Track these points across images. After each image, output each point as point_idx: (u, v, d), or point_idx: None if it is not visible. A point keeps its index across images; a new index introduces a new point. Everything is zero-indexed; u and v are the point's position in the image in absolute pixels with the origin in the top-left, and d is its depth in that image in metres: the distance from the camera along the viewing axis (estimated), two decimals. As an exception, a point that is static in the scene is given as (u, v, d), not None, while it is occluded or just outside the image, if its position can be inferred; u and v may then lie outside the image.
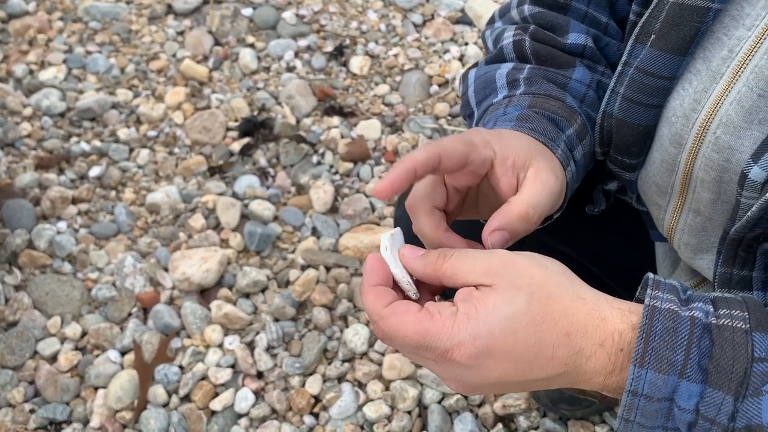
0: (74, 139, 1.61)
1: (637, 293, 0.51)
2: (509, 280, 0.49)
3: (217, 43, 1.80)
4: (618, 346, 0.48)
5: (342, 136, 1.62)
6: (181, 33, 1.82)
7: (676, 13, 0.60)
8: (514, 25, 0.74)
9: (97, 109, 1.64)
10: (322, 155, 1.60)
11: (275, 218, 1.51)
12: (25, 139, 1.60)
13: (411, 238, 0.66)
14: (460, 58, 1.77)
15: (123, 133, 1.62)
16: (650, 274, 0.50)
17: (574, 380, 0.50)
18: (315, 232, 1.49)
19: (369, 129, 1.63)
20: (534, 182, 0.57)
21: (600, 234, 0.82)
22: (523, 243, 0.61)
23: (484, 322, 0.48)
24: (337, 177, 1.57)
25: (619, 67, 0.65)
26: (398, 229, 0.57)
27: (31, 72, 1.73)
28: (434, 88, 1.72)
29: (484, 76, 0.72)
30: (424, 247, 0.57)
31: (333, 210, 1.53)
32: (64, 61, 1.74)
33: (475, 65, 0.76)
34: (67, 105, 1.66)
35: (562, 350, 0.48)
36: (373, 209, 1.52)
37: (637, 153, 0.67)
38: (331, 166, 1.59)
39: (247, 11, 1.85)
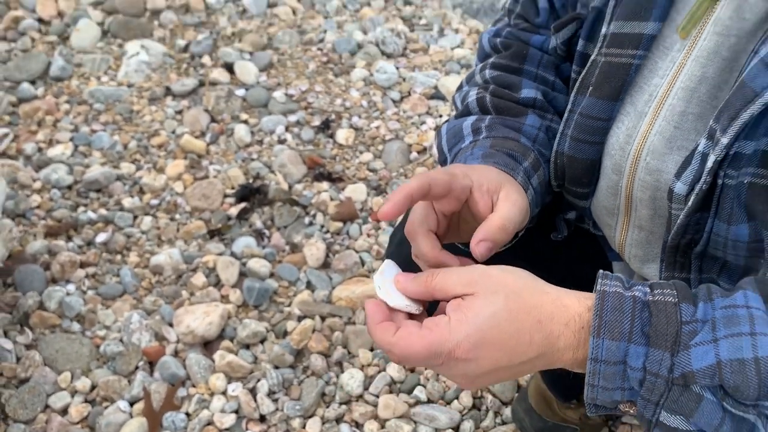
0: (81, 208, 1.69)
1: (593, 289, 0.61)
2: (486, 287, 0.59)
3: (213, 120, 1.92)
4: (579, 324, 0.57)
5: (331, 199, 1.72)
6: (179, 112, 1.94)
7: (607, 69, 0.73)
8: (477, 86, 0.87)
9: (102, 181, 1.73)
10: (314, 216, 1.70)
11: (271, 275, 1.58)
12: (35, 210, 1.67)
13: (408, 264, 0.75)
14: (436, 128, 1.91)
15: (127, 202, 1.71)
16: (601, 270, 0.60)
17: (550, 360, 0.59)
18: (309, 285, 1.57)
19: (356, 192, 1.74)
20: (506, 201, 0.68)
21: (564, 257, 0.92)
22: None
23: (473, 322, 0.57)
24: (328, 235, 1.66)
25: (566, 114, 0.78)
26: (387, 261, 0.66)
27: (39, 149, 1.82)
28: (414, 155, 1.85)
29: (454, 128, 0.85)
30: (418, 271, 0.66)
31: (325, 265, 1.61)
32: (71, 139, 1.84)
33: (447, 121, 0.88)
34: (74, 178, 1.75)
35: (537, 335, 0.57)
36: (363, 263, 1.61)
37: (587, 183, 0.79)
38: (322, 226, 1.68)
39: (240, 92, 1.98)
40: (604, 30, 0.74)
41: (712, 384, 0.54)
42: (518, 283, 0.59)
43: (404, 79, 2.05)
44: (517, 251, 0.77)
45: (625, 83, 0.72)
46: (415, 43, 2.16)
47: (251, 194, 1.73)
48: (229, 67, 2.04)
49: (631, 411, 0.59)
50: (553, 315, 0.58)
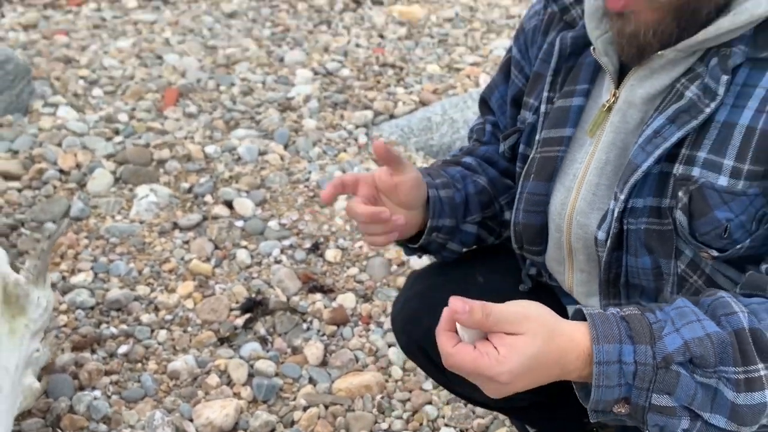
0: (104, 325, 1.86)
1: (570, 317, 0.81)
2: (529, 329, 0.75)
3: (216, 247, 2.15)
4: (585, 353, 0.75)
5: (325, 307, 1.94)
6: (186, 242, 2.17)
7: (542, 162, 1.02)
8: None
9: (123, 301, 1.92)
10: (311, 322, 1.90)
11: (276, 374, 1.76)
12: (62, 328, 1.84)
13: (413, 321, 0.99)
14: (411, 246, 2.17)
15: (145, 318, 1.89)
16: (576, 306, 0.83)
17: (562, 378, 0.77)
18: (311, 380, 1.74)
19: (346, 300, 1.96)
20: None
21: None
22: None
23: (516, 361, 0.73)
24: (325, 338, 1.86)
25: (517, 195, 1.06)
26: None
27: (63, 278, 2.01)
28: (394, 267, 2.09)
29: None
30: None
31: (324, 363, 1.79)
32: (91, 268, 2.04)
33: None
34: (96, 300, 1.93)
35: (556, 367, 0.76)
36: (357, 360, 1.80)
37: (540, 242, 1.05)
38: (319, 330, 1.88)
39: (239, 223, 2.24)
40: (537, 137, 1.04)
41: (684, 360, 0.73)
42: (548, 322, 0.76)
43: (380, 208, 2.33)
44: (497, 299, 1.01)
45: (555, 169, 1.01)
46: (387, 179, 2.47)
47: (254, 306, 1.93)
48: (229, 204, 2.31)
49: (623, 410, 0.76)
50: (567, 351, 0.75)
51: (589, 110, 0.99)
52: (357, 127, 2.74)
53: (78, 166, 2.43)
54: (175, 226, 2.23)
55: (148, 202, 2.30)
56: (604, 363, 0.73)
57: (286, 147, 2.60)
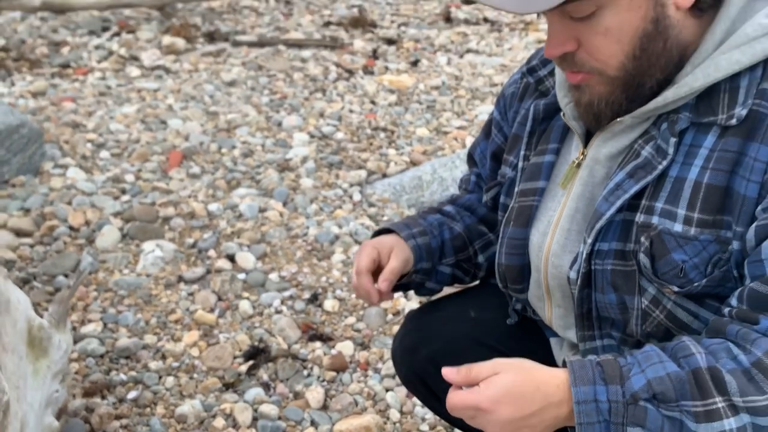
0: (114, 372, 1.93)
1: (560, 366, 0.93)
2: (504, 368, 0.88)
3: (220, 299, 2.24)
4: (565, 386, 0.87)
5: (324, 354, 2.02)
6: (191, 294, 2.26)
7: (519, 210, 1.14)
8: None
9: (132, 348, 2.00)
10: (311, 369, 1.98)
11: (280, 417, 1.83)
12: (74, 375, 1.91)
13: (409, 357, 1.11)
14: (405, 295, 2.28)
15: (153, 365, 1.96)
16: (564, 358, 0.93)
17: (554, 413, 0.87)
18: (313, 423, 1.81)
19: (345, 347, 2.05)
20: (394, 257, 1.17)
21: (518, 336, 1.26)
22: (481, 348, 1.08)
23: (493, 389, 0.87)
24: (325, 383, 1.94)
25: (499, 240, 1.18)
26: None
27: (74, 328, 2.09)
28: (390, 316, 2.19)
29: None
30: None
31: (325, 407, 1.87)
32: (101, 319, 2.12)
33: None
34: (105, 348, 2.01)
35: (537, 395, 0.87)
36: (357, 404, 1.88)
37: (521, 281, 1.16)
38: (319, 376, 1.96)
39: (241, 276, 2.34)
40: (516, 189, 1.17)
41: (648, 396, 0.84)
42: (522, 364, 0.90)
43: (375, 261, 2.45)
44: (487, 332, 1.12)
45: (530, 217, 1.13)
46: (381, 234, 2.60)
47: (257, 354, 2.01)
48: (231, 258, 2.41)
49: None
50: (547, 382, 0.87)
51: (559, 165, 1.12)
52: (351, 185, 2.88)
53: (87, 223, 2.54)
54: (180, 279, 2.32)
55: (154, 256, 2.40)
56: (582, 402, 0.85)
57: (285, 204, 2.73)
